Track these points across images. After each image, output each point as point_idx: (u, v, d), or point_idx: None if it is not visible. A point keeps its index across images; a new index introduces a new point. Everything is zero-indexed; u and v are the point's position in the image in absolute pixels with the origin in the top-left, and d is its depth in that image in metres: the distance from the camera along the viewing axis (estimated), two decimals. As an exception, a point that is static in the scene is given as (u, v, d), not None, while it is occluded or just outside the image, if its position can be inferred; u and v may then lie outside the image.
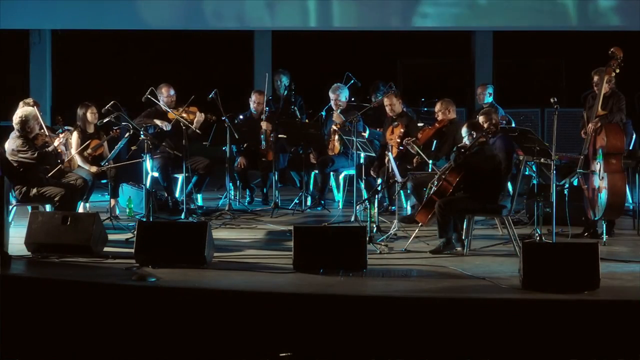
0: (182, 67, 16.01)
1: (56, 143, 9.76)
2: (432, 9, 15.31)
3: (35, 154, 9.36)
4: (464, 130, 8.91)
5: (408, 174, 10.00)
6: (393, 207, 10.46)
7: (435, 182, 8.97)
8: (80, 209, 9.98)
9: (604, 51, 9.41)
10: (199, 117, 10.91)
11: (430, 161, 10.41)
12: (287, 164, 11.84)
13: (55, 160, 9.66)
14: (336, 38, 15.87)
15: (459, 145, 8.92)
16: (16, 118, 9.50)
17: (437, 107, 10.55)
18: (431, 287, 7.47)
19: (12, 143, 9.44)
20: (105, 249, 8.67)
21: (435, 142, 10.52)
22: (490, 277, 7.68)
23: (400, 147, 10.60)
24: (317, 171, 11.40)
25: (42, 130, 9.67)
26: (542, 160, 9.70)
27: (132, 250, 8.18)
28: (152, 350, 7.07)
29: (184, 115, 10.80)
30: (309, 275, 7.83)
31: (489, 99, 11.71)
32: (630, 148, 10.92)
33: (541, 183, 10.26)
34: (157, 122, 10.86)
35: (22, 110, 9.64)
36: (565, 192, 9.56)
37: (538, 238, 8.91)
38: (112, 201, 10.41)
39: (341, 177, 11.48)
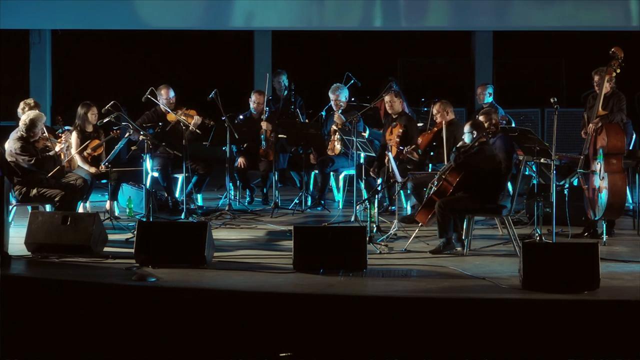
0: (182, 67, 16.01)
1: (57, 148, 9.75)
2: (433, 9, 15.31)
3: (33, 160, 9.33)
4: (466, 129, 8.90)
5: (408, 174, 10.00)
6: (393, 207, 10.46)
7: (435, 182, 8.97)
8: (80, 209, 9.98)
9: (604, 51, 9.41)
10: (197, 119, 10.91)
11: (430, 165, 10.42)
12: (287, 164, 11.84)
13: (54, 166, 9.60)
14: (336, 38, 15.87)
15: (458, 145, 8.92)
16: (26, 119, 9.44)
17: (435, 109, 10.49)
18: (431, 287, 7.47)
19: (12, 144, 9.43)
20: (105, 249, 8.67)
21: (435, 144, 10.49)
22: (490, 277, 7.68)
23: (401, 147, 10.60)
24: (317, 171, 11.40)
25: (44, 134, 9.66)
26: (542, 160, 9.69)
27: (132, 250, 8.18)
28: (152, 350, 7.07)
29: (183, 117, 10.80)
30: (309, 275, 7.83)
31: (489, 99, 11.71)
32: (631, 148, 10.91)
33: (541, 183, 10.26)
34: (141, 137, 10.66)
35: (34, 113, 9.56)
36: (565, 192, 9.56)
37: (538, 238, 8.90)
38: (109, 203, 10.37)
39: (341, 177, 11.48)
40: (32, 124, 9.41)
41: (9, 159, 9.38)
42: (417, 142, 10.48)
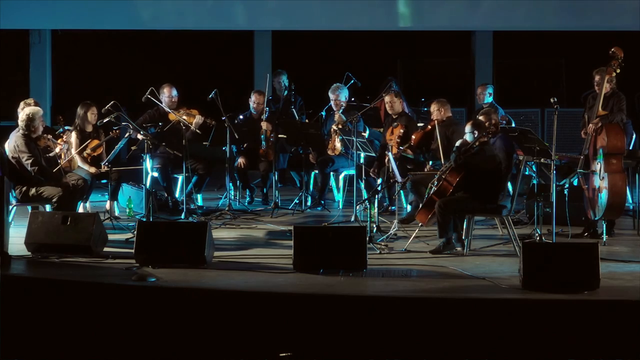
0: (182, 67, 16.01)
1: (57, 150, 9.75)
2: (433, 9, 15.32)
3: (32, 160, 9.29)
4: (467, 129, 8.90)
5: (408, 174, 10.00)
6: (393, 207, 10.47)
7: (435, 182, 8.97)
8: (80, 209, 9.97)
9: (604, 51, 9.41)
10: (198, 119, 10.92)
11: (430, 162, 10.42)
12: (287, 164, 11.84)
13: (53, 167, 9.59)
14: (336, 38, 15.87)
15: (458, 144, 8.91)
16: (22, 116, 9.48)
17: (432, 107, 10.53)
18: (431, 287, 7.48)
19: (15, 140, 9.43)
20: (105, 249, 8.67)
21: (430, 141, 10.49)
22: (490, 277, 7.68)
23: (401, 147, 10.60)
24: (317, 171, 11.40)
25: (47, 134, 9.67)
26: (542, 160, 9.70)
27: (132, 250, 8.18)
28: (152, 350, 7.07)
29: (184, 117, 10.80)
30: (309, 275, 7.83)
31: (489, 99, 11.71)
32: (631, 148, 10.91)
33: (541, 183, 10.26)
34: (140, 136, 10.64)
35: (30, 108, 9.61)
36: (565, 192, 9.56)
37: (538, 238, 8.90)
38: (109, 203, 10.37)
39: (341, 177, 11.48)
40: (30, 119, 9.43)
41: (10, 156, 9.37)
42: (411, 139, 10.49)
